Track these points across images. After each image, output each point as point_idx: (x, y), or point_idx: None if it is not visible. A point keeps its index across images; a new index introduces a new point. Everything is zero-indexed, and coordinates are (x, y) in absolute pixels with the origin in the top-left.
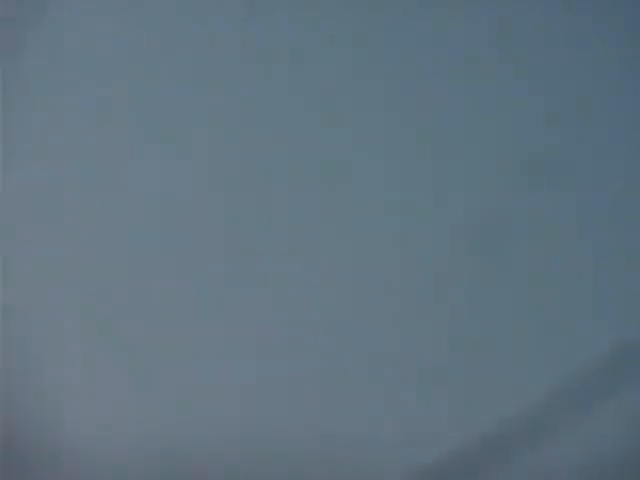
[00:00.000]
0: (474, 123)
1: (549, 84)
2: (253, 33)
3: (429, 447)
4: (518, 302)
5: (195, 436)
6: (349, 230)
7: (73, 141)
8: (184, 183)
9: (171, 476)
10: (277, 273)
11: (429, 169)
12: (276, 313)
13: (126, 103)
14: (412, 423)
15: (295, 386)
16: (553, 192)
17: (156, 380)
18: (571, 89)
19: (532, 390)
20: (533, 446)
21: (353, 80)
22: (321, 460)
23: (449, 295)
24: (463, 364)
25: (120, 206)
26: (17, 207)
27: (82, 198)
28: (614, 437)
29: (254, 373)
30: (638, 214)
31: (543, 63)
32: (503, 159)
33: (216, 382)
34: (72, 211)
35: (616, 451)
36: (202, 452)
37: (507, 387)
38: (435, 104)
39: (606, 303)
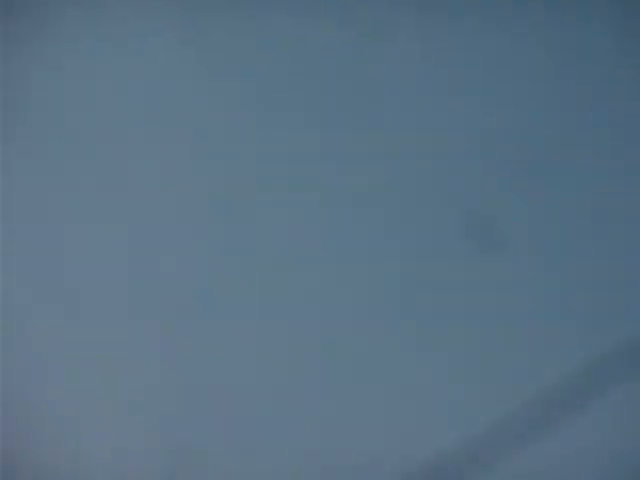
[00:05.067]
0: (474, 122)
1: (548, 84)
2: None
3: (429, 447)
4: (518, 301)
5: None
6: (348, 230)
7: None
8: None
9: None
10: (277, 279)
11: (429, 168)
12: (275, 315)
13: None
14: (411, 423)
15: (294, 384)
16: (553, 192)
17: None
18: (570, 89)
19: (531, 389)
20: (532, 446)
21: (352, 72)
22: (320, 459)
23: (448, 295)
24: (463, 364)
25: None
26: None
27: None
28: (613, 437)
29: (255, 367)
30: (638, 213)
31: (543, 62)
32: (503, 158)
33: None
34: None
35: (615, 451)
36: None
37: (506, 386)
38: (435, 104)
39: (606, 302)
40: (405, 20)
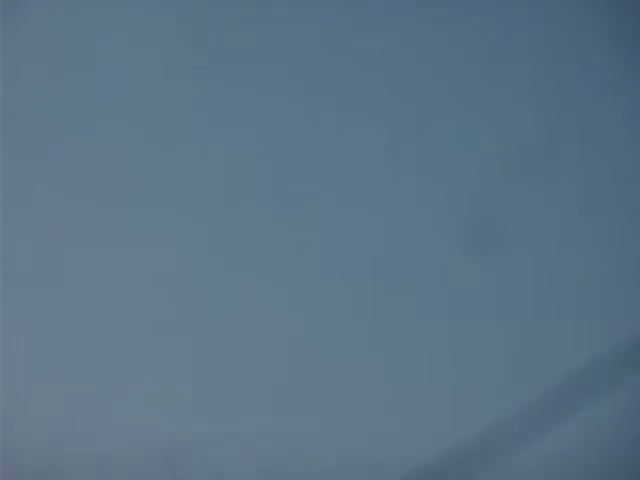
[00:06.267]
0: (473, 121)
1: (547, 83)
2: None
3: (429, 447)
4: (518, 301)
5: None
6: (348, 229)
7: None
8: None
9: None
10: (276, 279)
11: (429, 168)
12: (275, 315)
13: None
14: (412, 423)
15: (294, 384)
16: (553, 191)
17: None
18: (571, 88)
19: (532, 389)
20: (532, 445)
21: (352, 69)
22: (320, 459)
23: (448, 295)
24: (463, 363)
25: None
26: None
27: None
28: (613, 437)
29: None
30: (637, 211)
31: (543, 62)
32: (502, 157)
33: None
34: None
35: (615, 450)
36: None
37: (507, 386)
38: (435, 103)
39: (607, 301)
40: (405, 17)
